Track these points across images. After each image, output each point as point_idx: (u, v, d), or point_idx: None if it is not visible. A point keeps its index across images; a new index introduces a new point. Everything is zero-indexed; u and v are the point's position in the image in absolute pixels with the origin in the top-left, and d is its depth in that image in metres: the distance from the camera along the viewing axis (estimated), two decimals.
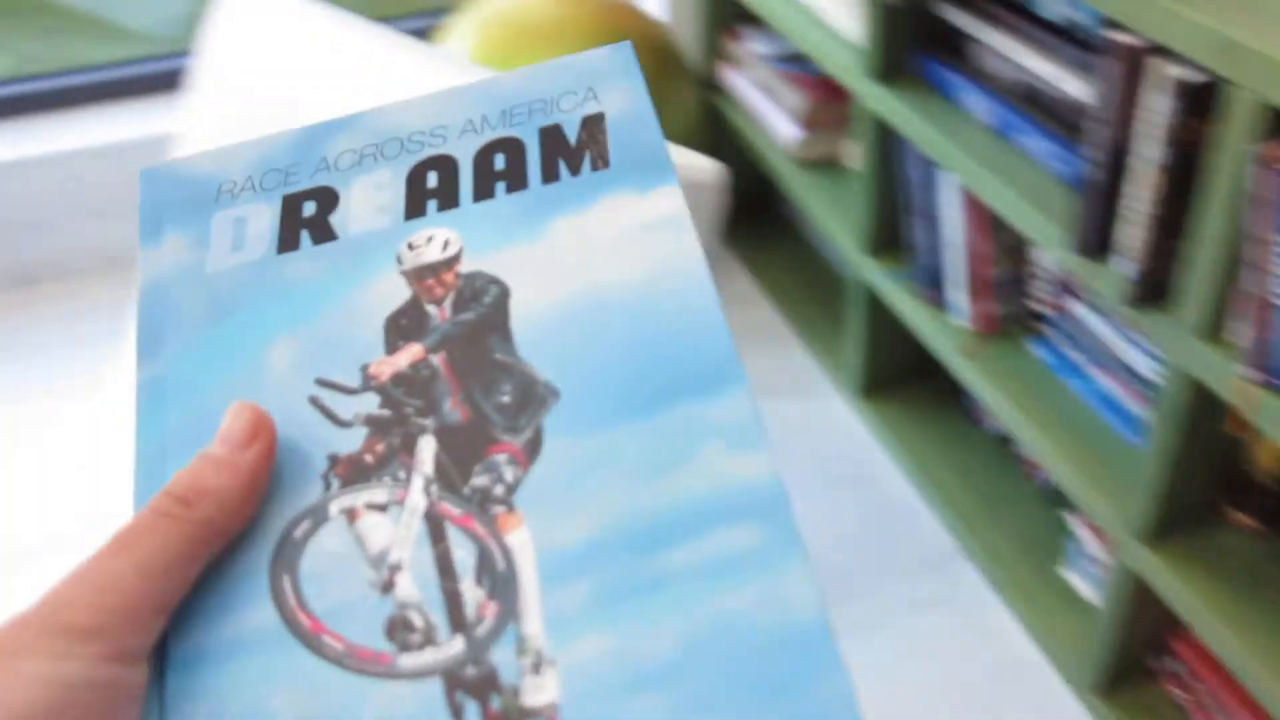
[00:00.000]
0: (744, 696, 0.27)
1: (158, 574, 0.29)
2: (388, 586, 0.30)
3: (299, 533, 0.32)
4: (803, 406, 1.68)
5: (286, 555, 0.31)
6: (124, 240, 1.99)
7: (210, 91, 1.05)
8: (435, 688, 0.29)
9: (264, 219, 0.38)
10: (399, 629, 0.30)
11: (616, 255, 0.35)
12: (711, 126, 1.86)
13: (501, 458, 0.32)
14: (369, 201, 0.38)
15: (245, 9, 1.06)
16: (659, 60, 1.63)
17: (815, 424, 1.65)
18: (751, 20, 1.78)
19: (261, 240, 0.38)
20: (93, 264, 1.99)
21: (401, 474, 0.32)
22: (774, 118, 1.67)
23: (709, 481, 0.31)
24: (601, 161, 0.38)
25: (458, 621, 0.30)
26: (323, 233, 0.38)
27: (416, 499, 0.32)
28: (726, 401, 0.32)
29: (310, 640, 0.30)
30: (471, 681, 0.29)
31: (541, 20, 1.56)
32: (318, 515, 0.32)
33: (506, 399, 0.33)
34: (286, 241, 0.38)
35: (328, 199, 0.39)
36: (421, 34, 2.06)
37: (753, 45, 1.73)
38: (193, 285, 0.37)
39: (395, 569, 0.31)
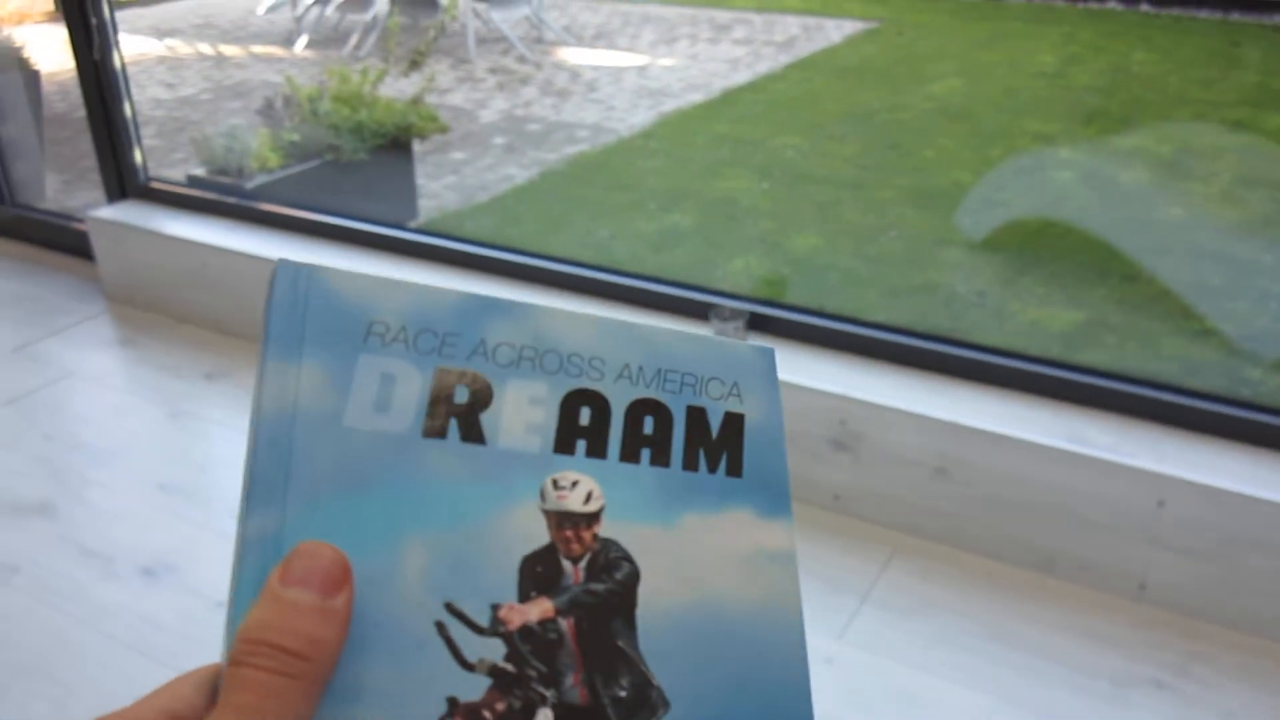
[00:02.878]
0: None
1: None
2: None
3: None
4: None
5: None
6: (1180, 592, 1.82)
7: None
8: None
9: (414, 385, 0.36)
10: None
11: (737, 575, 0.37)
12: None
13: None
14: (522, 414, 0.37)
15: None
16: None
17: None
18: None
19: (407, 411, 0.36)
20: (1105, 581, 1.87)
21: None
22: None
23: None
24: (735, 469, 0.39)
25: None
26: (471, 431, 0.37)
27: None
28: None
29: None
30: None
31: None
32: None
33: (623, 694, 0.34)
34: (433, 425, 0.36)
35: (482, 392, 0.37)
36: None
37: None
38: (327, 434, 0.35)
39: None
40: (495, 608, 0.34)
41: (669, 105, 5.08)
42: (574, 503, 0.37)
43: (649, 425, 0.39)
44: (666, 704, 0.34)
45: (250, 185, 3.08)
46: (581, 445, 0.38)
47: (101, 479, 2.18)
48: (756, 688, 0.35)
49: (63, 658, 1.74)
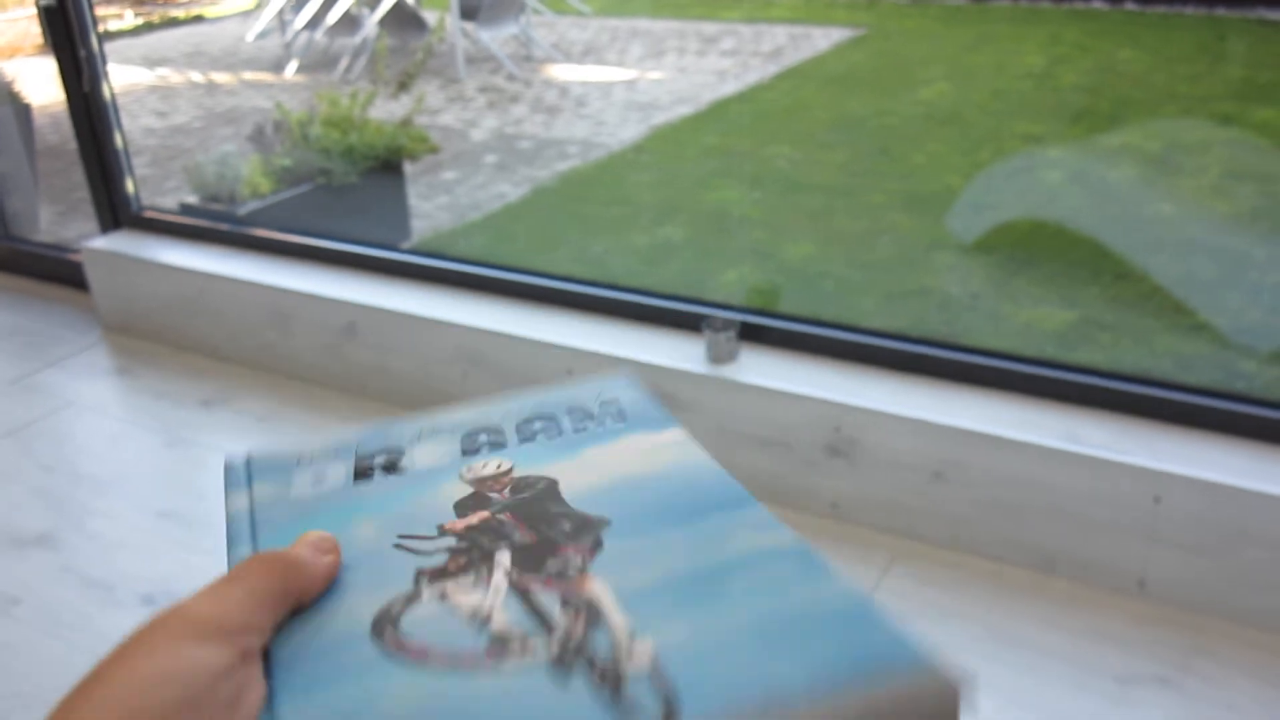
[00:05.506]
0: (808, 641, 0.32)
1: (260, 604, 0.34)
2: (485, 621, 0.35)
3: (395, 609, 0.36)
4: None
5: (385, 618, 0.36)
6: (1182, 589, 1.83)
7: None
8: (540, 666, 0.33)
9: (340, 468, 0.46)
10: (498, 648, 0.34)
11: (641, 458, 0.44)
12: None
13: (569, 553, 0.38)
14: (430, 453, 0.46)
15: None
16: None
17: None
18: None
19: (339, 478, 0.45)
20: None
21: (485, 571, 0.38)
22: None
23: (749, 546, 0.37)
24: (620, 418, 0.47)
25: (551, 630, 0.34)
26: (392, 470, 0.46)
27: (500, 580, 0.37)
28: (751, 512, 0.39)
29: (414, 660, 0.34)
30: (571, 659, 0.33)
31: None
32: (411, 597, 0.37)
33: (567, 527, 0.39)
34: (360, 477, 0.45)
35: (395, 456, 0.47)
36: None
37: None
38: (280, 504, 0.44)
39: (488, 616, 0.35)
40: (439, 525, 0.41)
41: (659, 118, 5.10)
42: (488, 471, 0.45)
43: (538, 425, 0.48)
44: (607, 520, 0.40)
45: (243, 211, 3.09)
46: (485, 447, 0.47)
47: (101, 508, 2.19)
48: (689, 490, 0.41)
49: (65, 688, 1.74)
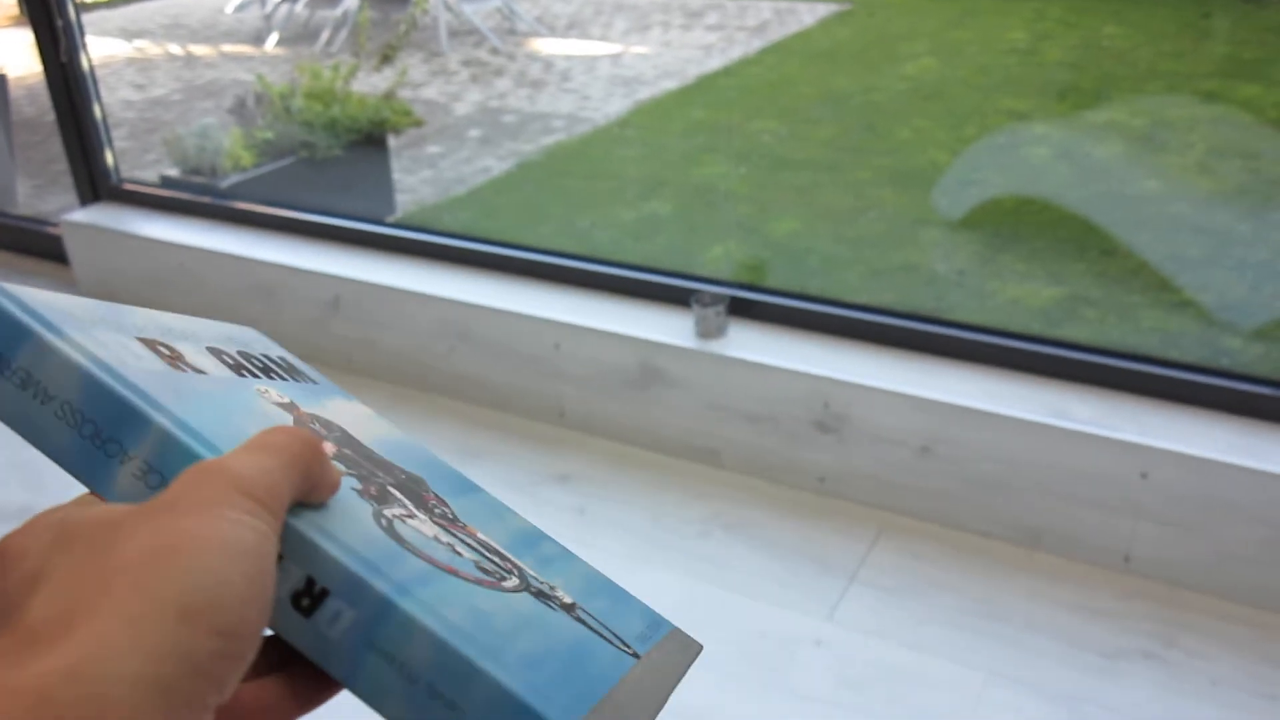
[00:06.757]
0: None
1: (289, 481, 0.33)
2: (451, 550, 0.38)
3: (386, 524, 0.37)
4: None
5: (392, 534, 0.37)
6: (1132, 543, 1.85)
7: None
8: (524, 591, 0.38)
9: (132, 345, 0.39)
10: (484, 571, 0.38)
11: (373, 424, 0.46)
12: None
13: (433, 501, 0.41)
14: (201, 359, 0.42)
15: None
16: None
17: None
18: None
19: (147, 360, 0.38)
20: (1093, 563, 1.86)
21: (399, 504, 0.40)
22: None
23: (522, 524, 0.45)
24: (307, 377, 0.48)
25: (507, 568, 0.39)
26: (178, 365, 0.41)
27: (424, 515, 0.40)
28: (482, 495, 0.46)
29: (448, 574, 0.36)
30: (534, 589, 0.39)
31: None
32: (377, 515, 0.37)
33: (404, 475, 0.42)
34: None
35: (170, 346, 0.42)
36: None
37: None
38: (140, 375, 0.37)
39: (449, 545, 0.38)
40: None
41: (644, 93, 5.07)
42: (281, 398, 0.43)
43: (254, 363, 0.47)
44: (419, 478, 0.44)
45: (224, 184, 3.05)
46: (250, 371, 0.44)
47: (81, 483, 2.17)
48: (439, 467, 0.46)
49: None
